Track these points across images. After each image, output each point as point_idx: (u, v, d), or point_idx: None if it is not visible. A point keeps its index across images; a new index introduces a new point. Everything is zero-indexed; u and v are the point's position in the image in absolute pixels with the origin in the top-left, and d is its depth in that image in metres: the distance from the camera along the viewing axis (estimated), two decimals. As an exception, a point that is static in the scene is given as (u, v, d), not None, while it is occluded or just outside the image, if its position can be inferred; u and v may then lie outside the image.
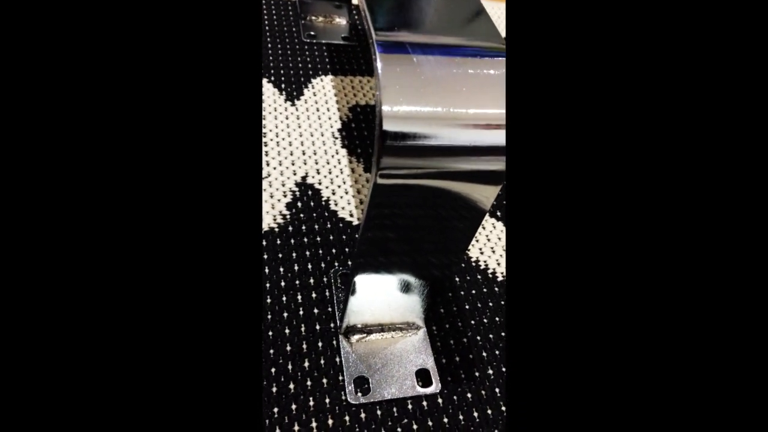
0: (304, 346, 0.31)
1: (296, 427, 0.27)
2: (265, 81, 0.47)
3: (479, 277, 0.36)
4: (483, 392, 0.31)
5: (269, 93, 0.46)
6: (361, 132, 0.44)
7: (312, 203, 0.38)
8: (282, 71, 0.48)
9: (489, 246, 0.38)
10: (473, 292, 0.35)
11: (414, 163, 0.21)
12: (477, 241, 0.39)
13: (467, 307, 0.35)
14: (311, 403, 0.28)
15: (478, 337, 0.33)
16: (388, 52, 0.20)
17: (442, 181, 0.22)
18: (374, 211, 0.23)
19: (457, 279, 0.36)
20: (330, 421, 0.28)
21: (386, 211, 0.23)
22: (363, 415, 0.28)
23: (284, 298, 0.33)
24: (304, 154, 0.41)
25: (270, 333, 0.31)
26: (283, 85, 0.47)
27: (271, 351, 0.30)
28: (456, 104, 0.20)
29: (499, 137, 0.21)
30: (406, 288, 0.30)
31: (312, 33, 0.52)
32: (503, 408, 0.30)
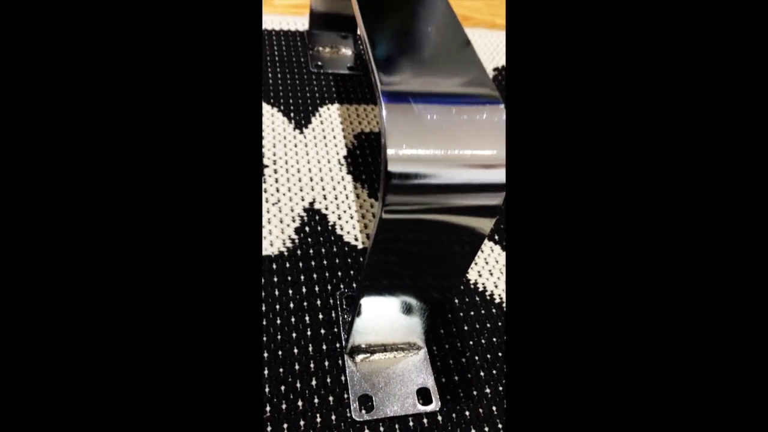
0: (312, 365, 0.33)
1: (304, 443, 0.29)
2: (275, 110, 0.49)
3: (478, 299, 0.38)
4: (480, 410, 0.32)
5: (279, 121, 0.48)
6: (366, 159, 0.46)
7: (319, 228, 0.40)
8: (291, 100, 0.50)
9: (487, 269, 0.40)
10: (472, 313, 0.37)
11: (416, 200, 0.23)
12: (476, 264, 0.41)
13: (466, 328, 0.36)
14: (318, 419, 0.30)
15: (477, 358, 0.35)
16: (392, 101, 0.22)
17: (442, 215, 0.24)
18: (380, 240, 0.25)
19: (456, 301, 0.38)
20: (336, 437, 0.30)
21: (391, 240, 0.25)
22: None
23: (293, 319, 0.34)
24: (311, 180, 0.44)
25: (279, 352, 0.33)
26: (292, 114, 0.49)
27: (281, 369, 0.32)
28: (454, 147, 0.22)
29: (499, 175, 0.23)
30: (408, 310, 0.32)
31: (319, 63, 0.55)
32: (500, 426, 0.32)
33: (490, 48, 0.65)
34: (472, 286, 0.39)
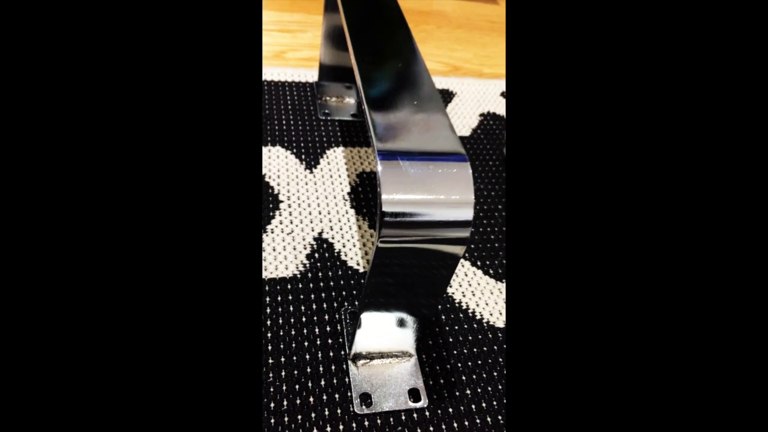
0: (321, 368, 0.39)
1: (314, 430, 0.35)
2: (288, 152, 0.57)
3: (461, 315, 0.45)
4: (461, 408, 0.38)
5: (292, 162, 0.56)
6: (366, 195, 0.54)
7: (326, 254, 0.47)
8: (302, 144, 0.58)
9: (470, 290, 0.47)
10: (456, 328, 0.44)
11: (405, 233, 0.30)
12: (460, 286, 0.47)
13: (451, 340, 0.43)
14: (326, 412, 0.36)
15: (459, 365, 0.41)
16: (385, 159, 0.29)
17: (425, 244, 0.31)
18: (377, 265, 0.32)
19: (443, 317, 0.45)
20: (341, 427, 0.36)
21: (386, 265, 0.32)
22: (366, 423, 0.36)
23: (305, 331, 0.41)
24: (320, 213, 0.51)
25: (294, 358, 0.39)
26: (303, 156, 0.57)
27: (295, 372, 0.38)
28: (432, 193, 0.29)
29: (468, 214, 0.30)
30: (401, 323, 0.39)
31: (326, 111, 0.63)
32: (478, 421, 0.38)
33: (477, 96, 0.74)
34: (456, 305, 0.46)
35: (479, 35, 0.90)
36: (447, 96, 0.72)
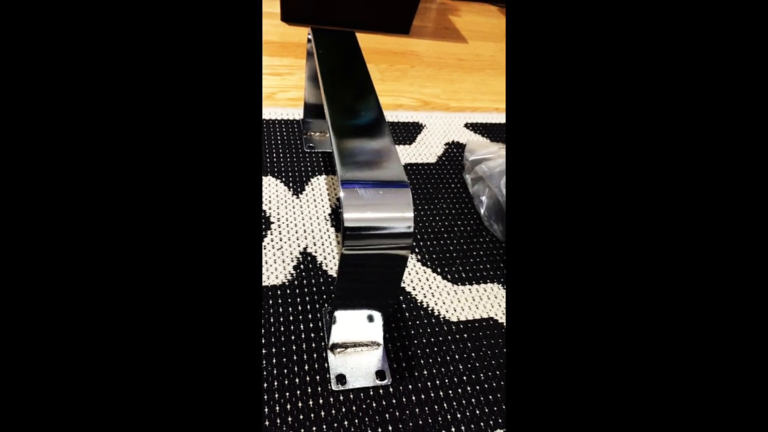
0: (305, 357, 0.48)
1: (299, 404, 0.44)
2: (278, 181, 0.67)
3: (422, 312, 0.54)
4: (419, 385, 0.48)
5: (281, 190, 0.66)
6: (345, 215, 0.64)
7: (310, 265, 0.57)
8: (290, 174, 0.68)
9: (430, 292, 0.57)
10: (417, 322, 0.53)
11: (363, 243, 0.40)
12: (422, 288, 0.57)
13: (412, 332, 0.52)
14: (309, 390, 0.45)
15: (419, 351, 0.50)
16: (346, 186, 0.39)
17: (379, 250, 0.41)
18: (343, 269, 0.41)
19: (407, 314, 0.54)
20: (320, 401, 0.45)
21: (350, 268, 0.41)
22: (341, 398, 0.45)
23: (292, 327, 0.50)
24: (305, 232, 0.61)
25: (283, 348, 0.48)
26: (290, 184, 0.67)
27: (284, 359, 0.47)
28: (381, 212, 0.39)
29: (409, 227, 0.40)
30: (369, 319, 0.48)
31: (311, 144, 0.73)
32: (432, 395, 0.47)
33: (444, 127, 0.84)
34: (418, 304, 0.55)
35: (448, 72, 1.02)
36: (417, 128, 0.83)
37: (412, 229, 0.40)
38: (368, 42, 1.07)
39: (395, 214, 0.39)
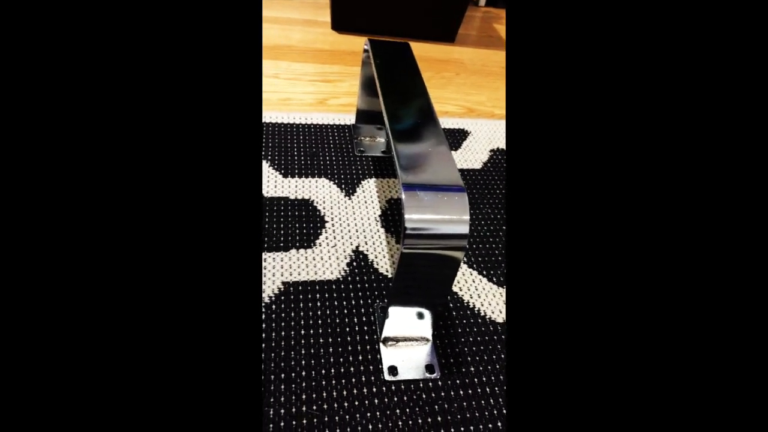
0: (359, 348, 0.51)
1: (354, 391, 0.47)
2: (332, 183, 0.71)
3: (468, 312, 0.57)
4: (466, 380, 0.50)
5: (334, 191, 0.69)
6: (394, 216, 0.67)
7: (362, 263, 0.60)
8: (342, 176, 0.72)
9: (476, 293, 0.59)
10: (464, 321, 0.56)
11: (421, 242, 0.42)
12: (469, 290, 0.59)
13: (460, 330, 0.55)
14: (363, 379, 0.49)
15: (465, 348, 0.53)
16: (407, 189, 0.42)
17: (435, 251, 0.43)
18: (402, 266, 0.44)
19: (454, 314, 0.56)
20: (374, 389, 0.48)
21: (407, 267, 0.44)
22: (393, 387, 0.48)
23: (346, 320, 0.54)
24: (357, 231, 0.64)
25: (338, 339, 0.52)
26: (343, 186, 0.70)
27: (339, 349, 0.51)
28: (439, 214, 0.42)
29: (465, 229, 0.42)
30: (420, 316, 0.51)
31: (361, 149, 0.77)
32: (479, 390, 0.49)
33: (489, 134, 0.86)
34: (465, 305, 0.57)
35: (492, 80, 1.03)
36: (462, 135, 0.85)
37: (467, 231, 0.43)
38: (414, 50, 1.10)
39: (452, 216, 0.42)
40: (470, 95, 0.98)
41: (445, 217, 0.42)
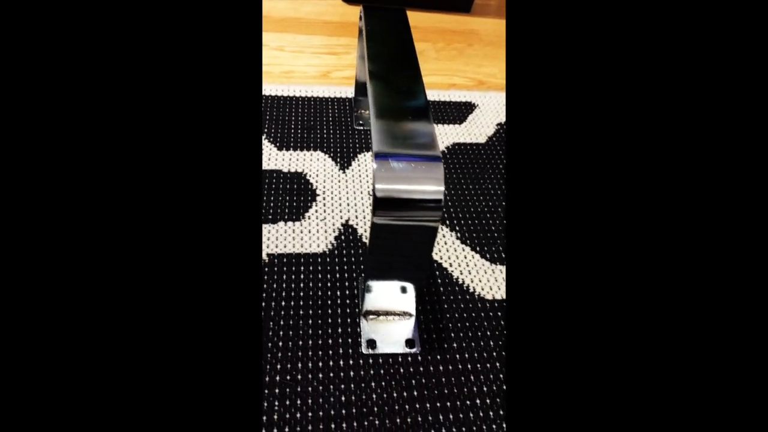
0: (339, 320, 0.51)
1: (330, 362, 0.47)
2: (326, 156, 0.70)
3: (457, 289, 0.55)
4: (447, 355, 0.49)
5: (328, 164, 0.68)
6: (388, 191, 0.65)
7: (351, 237, 0.59)
8: (338, 149, 0.71)
9: (467, 269, 0.57)
10: (451, 298, 0.54)
11: (393, 213, 0.41)
12: (459, 266, 0.57)
13: (446, 306, 0.53)
14: (340, 350, 0.48)
15: (450, 325, 0.51)
16: (379, 159, 0.41)
17: (409, 221, 0.42)
18: (374, 238, 0.43)
19: (441, 289, 0.55)
20: (350, 362, 0.47)
21: (381, 239, 0.43)
22: (370, 361, 0.48)
23: (329, 293, 0.53)
24: (348, 205, 0.63)
25: (319, 311, 0.51)
26: (338, 159, 0.69)
27: (319, 321, 0.50)
28: (413, 184, 0.40)
29: (439, 196, 0.41)
30: (403, 290, 0.50)
31: (361, 122, 0.75)
32: (460, 366, 0.48)
33: (497, 108, 0.83)
34: (455, 281, 0.56)
35: (506, 51, 0.99)
36: (468, 108, 0.82)
37: (441, 202, 0.41)
38: (428, 20, 1.07)
39: (425, 187, 0.40)
40: (482, 67, 0.94)
41: (418, 187, 0.40)
